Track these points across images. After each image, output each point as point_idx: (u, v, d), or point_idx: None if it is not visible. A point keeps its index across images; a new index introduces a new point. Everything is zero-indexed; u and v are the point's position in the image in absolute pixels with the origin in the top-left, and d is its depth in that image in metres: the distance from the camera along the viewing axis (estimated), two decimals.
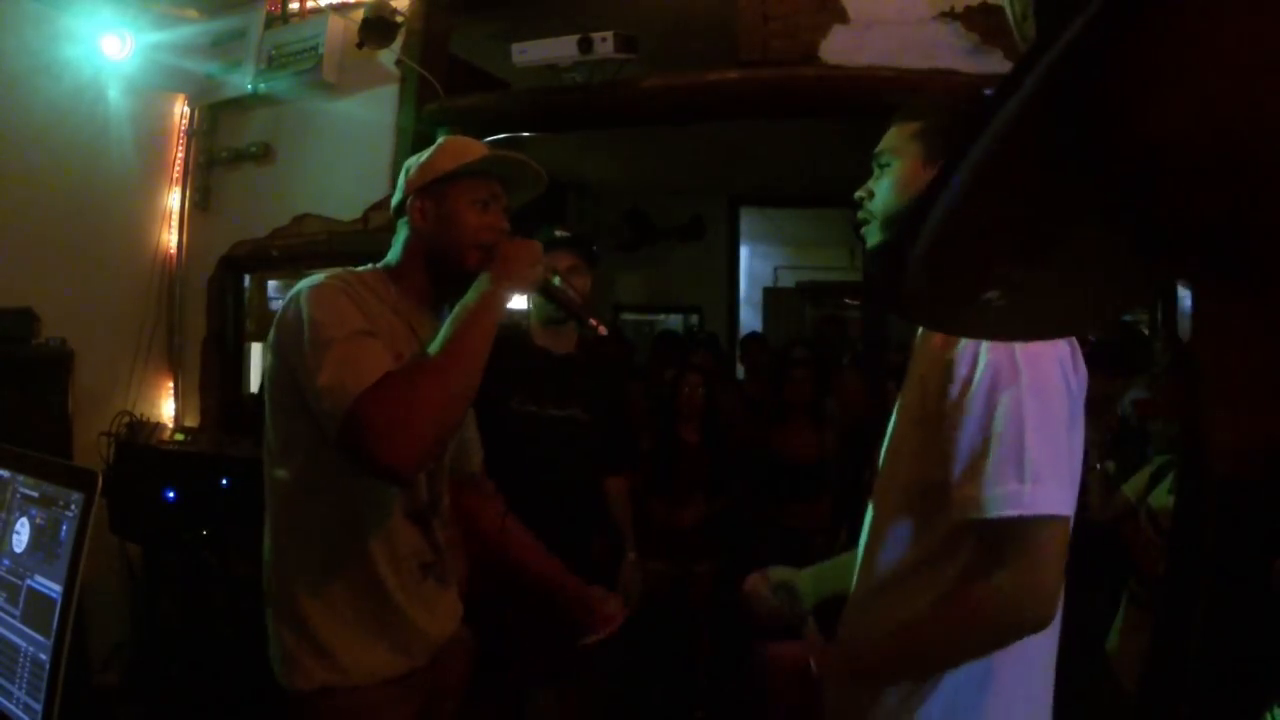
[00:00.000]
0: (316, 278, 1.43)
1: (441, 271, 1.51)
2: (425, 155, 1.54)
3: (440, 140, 1.58)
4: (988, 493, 1.09)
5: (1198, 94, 0.31)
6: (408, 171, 1.55)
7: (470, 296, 1.42)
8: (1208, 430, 0.38)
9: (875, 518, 1.33)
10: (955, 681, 1.18)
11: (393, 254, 1.56)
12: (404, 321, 1.48)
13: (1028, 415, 1.09)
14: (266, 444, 1.49)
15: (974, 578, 1.12)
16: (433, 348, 1.36)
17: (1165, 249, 0.37)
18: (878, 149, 1.36)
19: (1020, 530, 1.08)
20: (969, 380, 1.13)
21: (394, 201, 1.57)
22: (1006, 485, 1.08)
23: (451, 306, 1.46)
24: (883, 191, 1.33)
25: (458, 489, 1.72)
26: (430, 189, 1.51)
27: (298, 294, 1.40)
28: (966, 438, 1.12)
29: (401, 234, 1.55)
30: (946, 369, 1.16)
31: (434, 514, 1.55)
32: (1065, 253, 0.41)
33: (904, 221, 0.39)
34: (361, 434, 1.24)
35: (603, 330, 1.62)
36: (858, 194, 1.37)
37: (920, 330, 1.29)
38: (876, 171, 1.36)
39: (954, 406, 1.14)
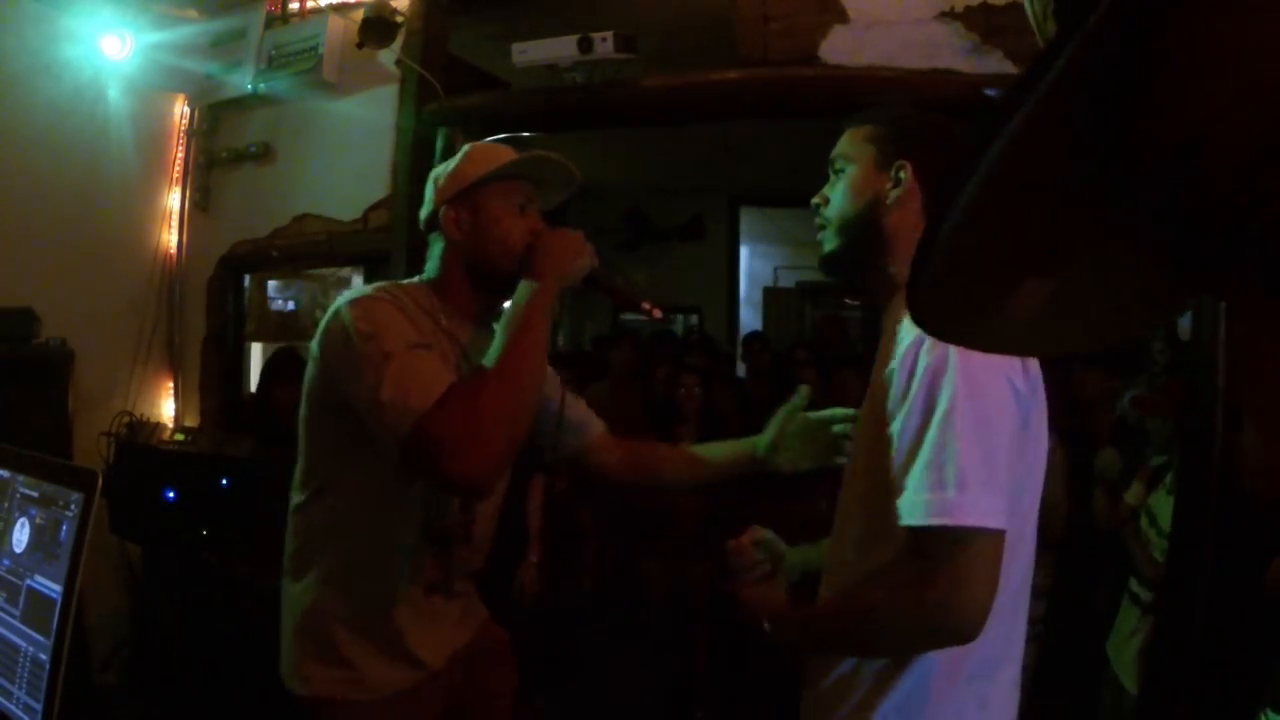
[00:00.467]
0: (363, 289, 1.41)
1: (484, 281, 1.47)
2: (452, 164, 1.50)
3: (465, 149, 1.53)
4: (913, 499, 1.06)
5: (1255, 69, 0.28)
6: (435, 182, 1.50)
7: (519, 297, 1.38)
8: (1247, 451, 0.36)
9: (838, 525, 1.30)
10: (908, 686, 1.16)
11: (430, 268, 1.52)
12: (449, 337, 1.45)
13: (959, 422, 1.05)
14: (299, 450, 1.47)
15: (907, 583, 1.08)
16: (489, 356, 1.33)
17: (1202, 255, 0.34)
18: (833, 154, 1.34)
19: (946, 540, 1.04)
20: (907, 386, 1.11)
21: (423, 214, 1.53)
22: (932, 493, 1.05)
23: (498, 319, 1.44)
24: (837, 197, 1.31)
25: (603, 457, 1.68)
26: (462, 198, 1.46)
27: (343, 306, 1.36)
28: (903, 444, 1.10)
29: (436, 247, 1.51)
30: (890, 375, 1.14)
31: (463, 539, 1.52)
32: (1088, 264, 0.39)
33: (921, 235, 0.37)
34: (431, 450, 1.22)
35: (657, 313, 1.57)
36: (814, 200, 1.35)
37: (882, 336, 1.27)
38: (832, 178, 1.34)
39: (894, 413, 1.12)
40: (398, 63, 3.19)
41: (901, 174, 1.25)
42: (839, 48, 2.69)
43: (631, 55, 2.81)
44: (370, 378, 1.26)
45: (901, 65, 2.62)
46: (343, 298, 1.39)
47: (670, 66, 2.90)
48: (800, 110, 2.76)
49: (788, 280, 7.78)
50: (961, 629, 1.04)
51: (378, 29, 3.02)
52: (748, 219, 7.44)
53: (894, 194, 1.25)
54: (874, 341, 1.28)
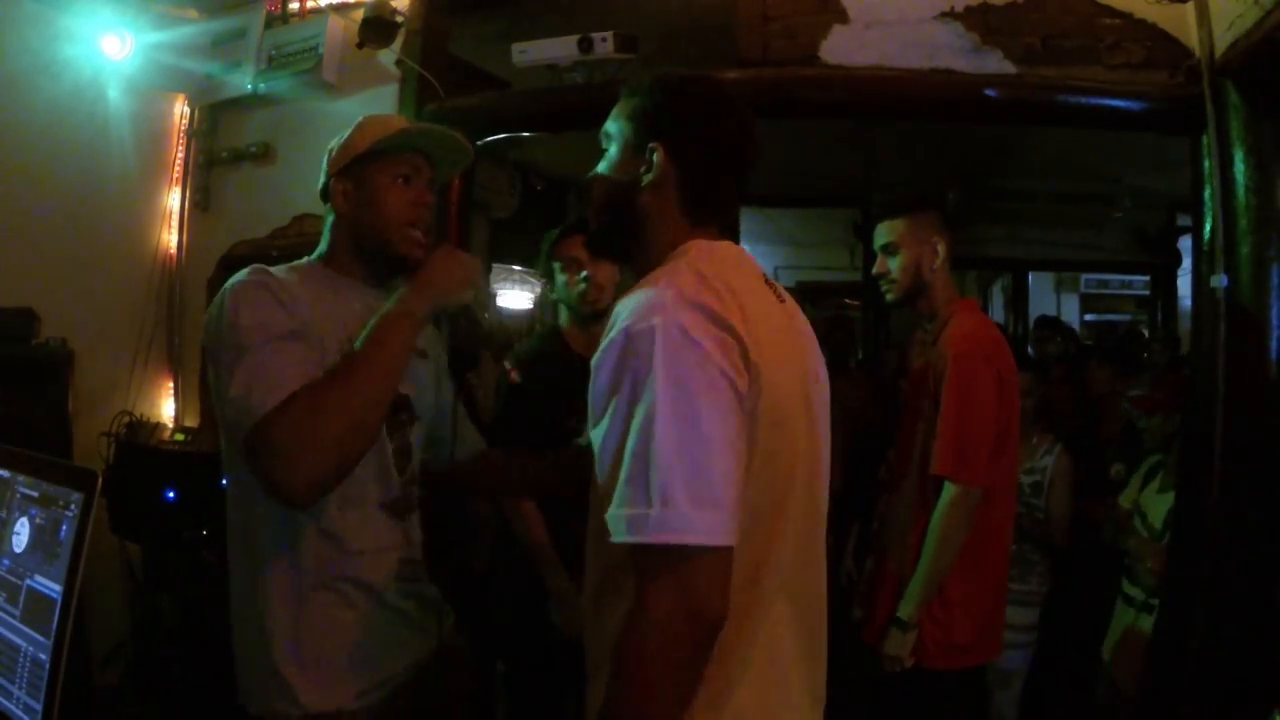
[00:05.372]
0: (241, 274, 1.35)
1: (369, 252, 1.46)
2: (344, 136, 1.49)
3: (359, 120, 1.51)
4: (616, 514, 0.98)
5: None
6: (329, 154, 1.50)
7: (389, 307, 1.35)
8: None
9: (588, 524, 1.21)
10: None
11: (322, 242, 1.52)
12: (349, 305, 1.42)
13: (660, 429, 0.96)
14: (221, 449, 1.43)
15: (634, 606, 0.98)
16: (342, 364, 1.29)
17: None
18: (602, 127, 1.30)
19: (656, 558, 0.96)
20: (607, 388, 1.02)
21: (319, 187, 1.51)
22: (634, 508, 0.96)
23: (395, 286, 1.42)
24: (600, 175, 1.27)
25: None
26: (350, 170, 1.46)
27: (224, 290, 1.33)
28: (604, 454, 1.02)
29: (328, 220, 1.51)
30: (592, 375, 1.06)
31: (410, 509, 1.49)
32: None
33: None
34: (263, 455, 1.20)
35: (514, 377, 1.55)
36: (589, 174, 1.30)
37: None
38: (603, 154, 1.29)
39: (596, 418, 1.04)
40: (398, 63, 3.19)
41: (654, 156, 1.20)
42: (839, 48, 2.68)
43: (631, 55, 2.80)
44: (225, 371, 1.25)
45: (901, 65, 2.62)
46: (227, 283, 1.35)
47: (670, 66, 2.90)
48: (800, 110, 2.75)
49: (788, 280, 7.78)
50: (697, 635, 0.96)
51: (378, 29, 3.02)
52: (747, 218, 7.42)
53: (647, 177, 1.20)
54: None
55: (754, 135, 1.24)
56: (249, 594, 1.41)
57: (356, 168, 1.46)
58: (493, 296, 1.51)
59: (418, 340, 1.40)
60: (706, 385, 0.99)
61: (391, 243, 1.44)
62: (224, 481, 1.48)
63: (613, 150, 1.26)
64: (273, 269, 1.39)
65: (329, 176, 1.48)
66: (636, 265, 1.24)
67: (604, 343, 1.05)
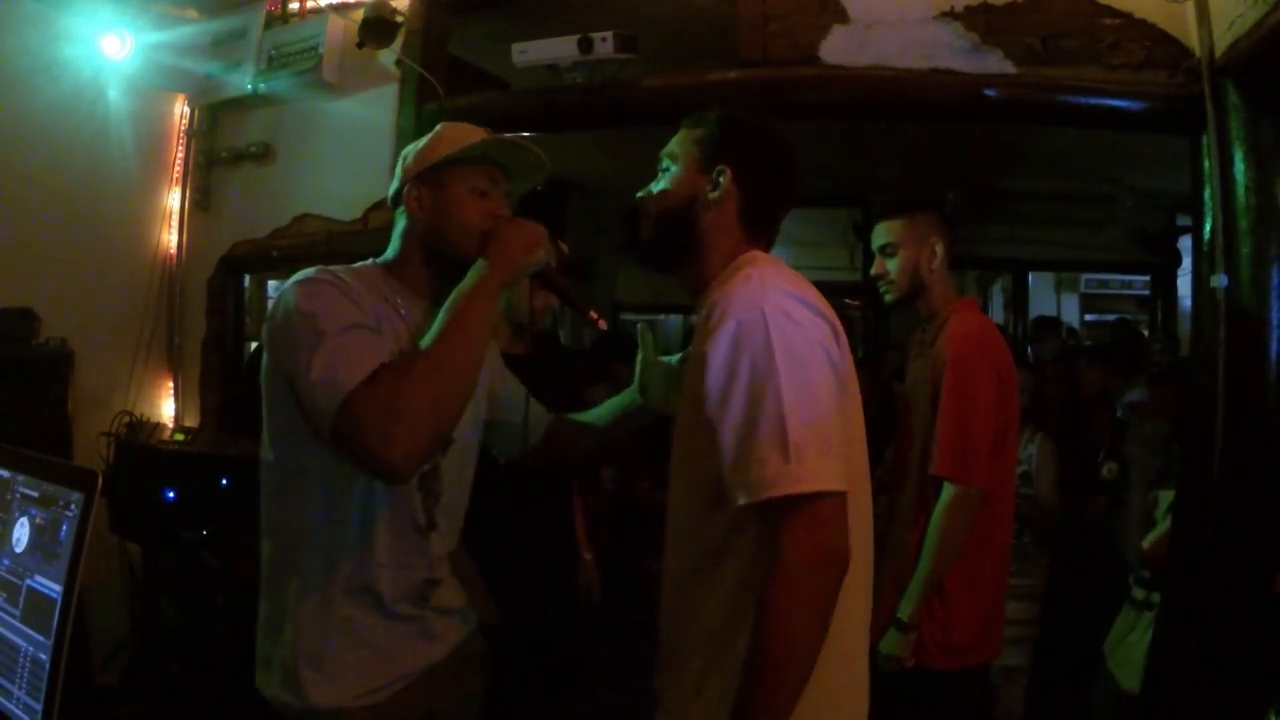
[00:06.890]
0: (306, 272, 1.37)
1: (440, 263, 1.45)
2: (423, 142, 1.49)
3: (438, 127, 1.52)
4: (754, 476, 1.13)
5: None
6: (405, 160, 1.49)
7: (466, 282, 1.37)
8: None
9: (671, 513, 1.34)
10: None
11: (391, 247, 1.51)
12: (402, 317, 1.43)
13: (786, 396, 1.13)
14: (262, 444, 1.43)
15: (763, 570, 1.14)
16: (426, 338, 1.30)
17: None
18: (662, 152, 1.43)
19: (793, 509, 1.12)
20: (726, 369, 1.18)
21: (391, 191, 1.52)
22: (770, 467, 1.12)
23: None
24: (656, 192, 1.40)
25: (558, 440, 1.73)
26: (427, 177, 1.45)
27: (288, 288, 1.35)
28: (730, 426, 1.17)
29: (399, 225, 1.50)
30: (702, 360, 1.21)
31: (432, 527, 1.48)
32: None
33: None
34: (354, 431, 1.20)
35: (603, 325, 1.58)
36: (639, 194, 1.42)
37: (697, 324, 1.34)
38: (659, 174, 1.42)
39: (717, 396, 1.19)
40: (398, 63, 3.19)
41: (721, 178, 1.35)
42: (839, 48, 2.69)
43: (631, 55, 2.80)
44: (304, 358, 1.25)
45: (901, 65, 2.62)
46: (288, 281, 1.37)
47: (670, 66, 2.90)
48: (800, 110, 2.76)
49: None
50: (832, 569, 1.13)
51: (378, 29, 3.02)
52: None
53: (713, 195, 1.36)
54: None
55: (800, 171, 1.44)
56: (283, 585, 1.41)
57: (433, 175, 1.45)
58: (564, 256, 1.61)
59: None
60: (813, 358, 1.18)
61: (463, 252, 1.42)
62: (262, 477, 1.45)
63: (675, 170, 1.40)
64: (333, 268, 1.39)
65: (403, 181, 1.48)
66: (687, 274, 1.40)
67: (715, 333, 1.20)
